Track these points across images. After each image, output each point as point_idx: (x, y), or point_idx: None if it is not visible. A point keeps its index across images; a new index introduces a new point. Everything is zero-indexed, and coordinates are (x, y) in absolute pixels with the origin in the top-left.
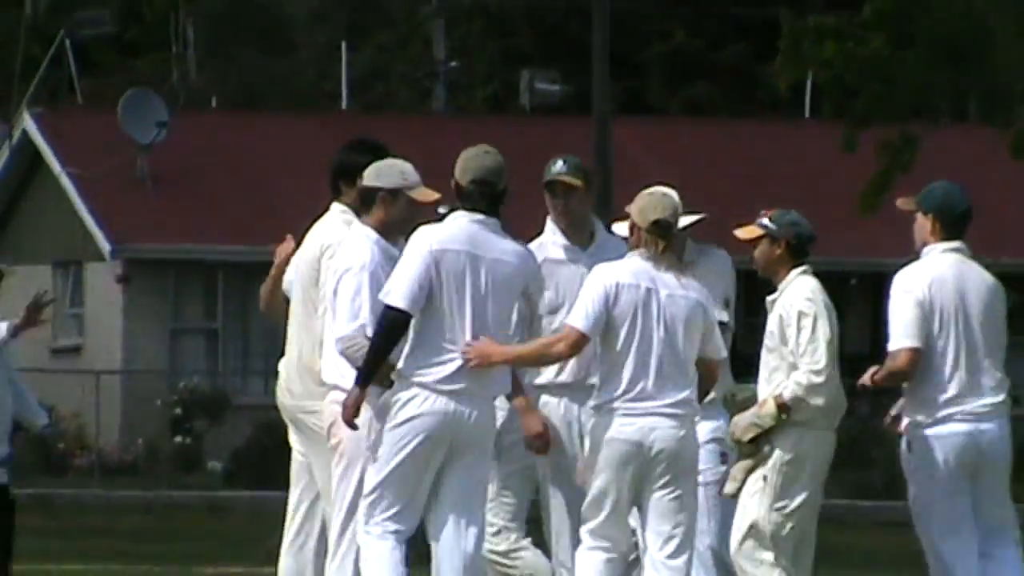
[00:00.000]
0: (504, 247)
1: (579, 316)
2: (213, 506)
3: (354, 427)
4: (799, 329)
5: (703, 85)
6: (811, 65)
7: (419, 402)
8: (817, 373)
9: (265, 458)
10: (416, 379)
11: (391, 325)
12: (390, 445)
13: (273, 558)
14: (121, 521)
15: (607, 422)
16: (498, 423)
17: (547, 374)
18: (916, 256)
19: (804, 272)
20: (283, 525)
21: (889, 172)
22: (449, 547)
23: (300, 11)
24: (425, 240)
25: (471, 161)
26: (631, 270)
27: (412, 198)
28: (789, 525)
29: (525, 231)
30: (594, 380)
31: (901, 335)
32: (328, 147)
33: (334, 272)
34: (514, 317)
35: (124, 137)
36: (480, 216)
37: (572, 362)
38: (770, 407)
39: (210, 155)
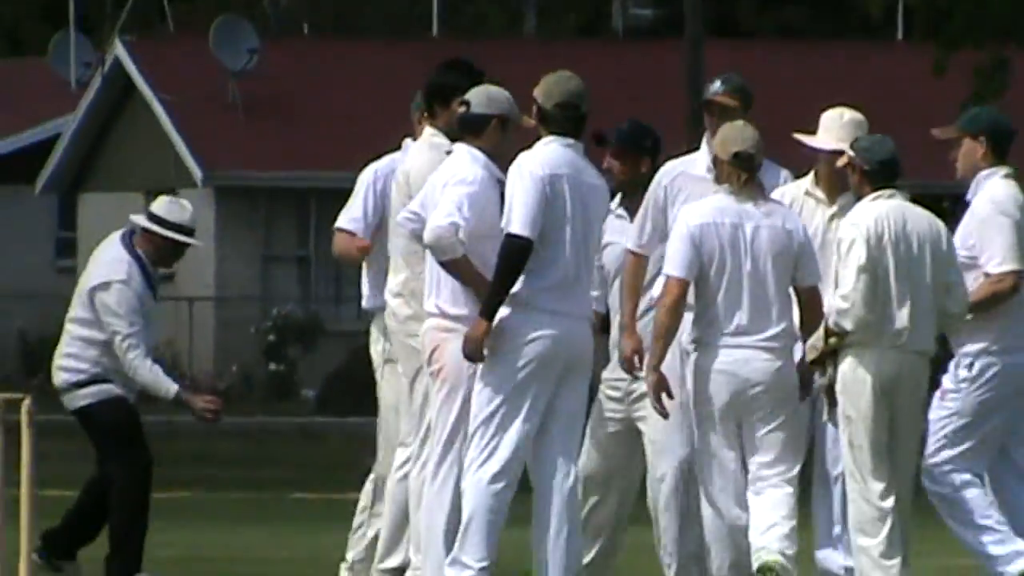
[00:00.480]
0: (591, 172)
1: (673, 264)
2: (307, 432)
3: (481, 358)
4: (838, 254)
5: (794, 7)
6: None
7: (534, 326)
8: (843, 298)
9: (357, 385)
10: (529, 303)
11: (518, 253)
12: (505, 370)
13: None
14: (215, 448)
15: (703, 356)
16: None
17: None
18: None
19: (878, 197)
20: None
21: (981, 96)
22: (553, 483)
23: None
24: (535, 166)
25: (555, 86)
26: (714, 207)
27: (518, 126)
28: (861, 444)
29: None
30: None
31: (1008, 257)
32: (419, 73)
33: (438, 185)
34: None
35: (216, 64)
36: (571, 140)
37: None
38: (819, 329)
39: (301, 82)
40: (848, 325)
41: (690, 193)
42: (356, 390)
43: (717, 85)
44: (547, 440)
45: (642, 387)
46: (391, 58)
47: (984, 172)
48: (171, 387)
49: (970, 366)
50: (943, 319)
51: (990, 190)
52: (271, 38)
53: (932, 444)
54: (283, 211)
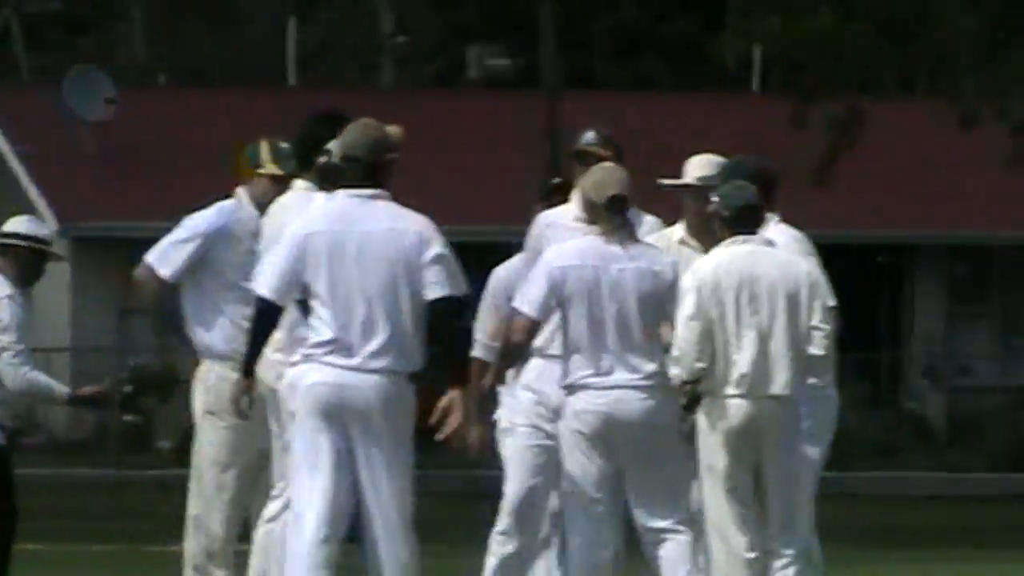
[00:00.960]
0: (377, 218)
1: (526, 301)
2: (163, 484)
3: (239, 414)
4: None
5: (650, 59)
6: (758, 39)
7: (312, 378)
8: (675, 347)
9: None
10: (311, 356)
11: (259, 314)
12: (296, 424)
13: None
14: (71, 500)
15: (575, 400)
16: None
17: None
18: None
19: (731, 243)
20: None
21: (837, 146)
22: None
23: None
24: (297, 224)
25: (343, 136)
26: (578, 249)
27: None
28: (719, 496)
29: (479, 200)
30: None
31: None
32: (275, 123)
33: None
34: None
35: (70, 114)
36: (354, 191)
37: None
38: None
39: (157, 132)
40: (682, 374)
41: (562, 242)
42: None
43: (591, 136)
44: (367, 501)
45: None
46: (248, 108)
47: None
48: (63, 389)
49: None
50: (808, 362)
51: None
52: (127, 88)
53: None
54: (140, 261)
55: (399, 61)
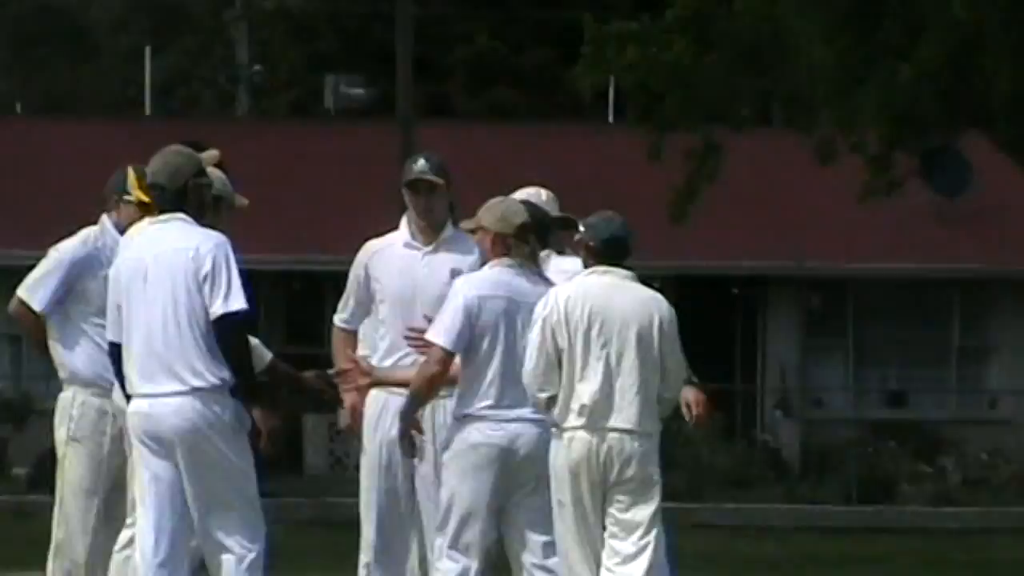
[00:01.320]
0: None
1: (441, 332)
2: (20, 511)
3: None
4: None
5: (506, 89)
6: (614, 70)
7: (130, 408)
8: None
9: None
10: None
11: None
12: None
13: None
14: None
15: (471, 430)
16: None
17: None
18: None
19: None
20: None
21: (696, 180)
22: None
23: (103, 16)
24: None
25: (149, 166)
26: (490, 280)
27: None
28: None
29: (334, 229)
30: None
31: None
32: (133, 152)
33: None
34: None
35: None
36: (158, 218)
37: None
38: None
39: (14, 160)
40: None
41: (391, 269)
42: None
43: (422, 164)
44: (200, 523)
45: None
46: (105, 138)
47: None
48: None
49: None
50: (658, 401)
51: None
52: None
53: None
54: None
55: (255, 91)
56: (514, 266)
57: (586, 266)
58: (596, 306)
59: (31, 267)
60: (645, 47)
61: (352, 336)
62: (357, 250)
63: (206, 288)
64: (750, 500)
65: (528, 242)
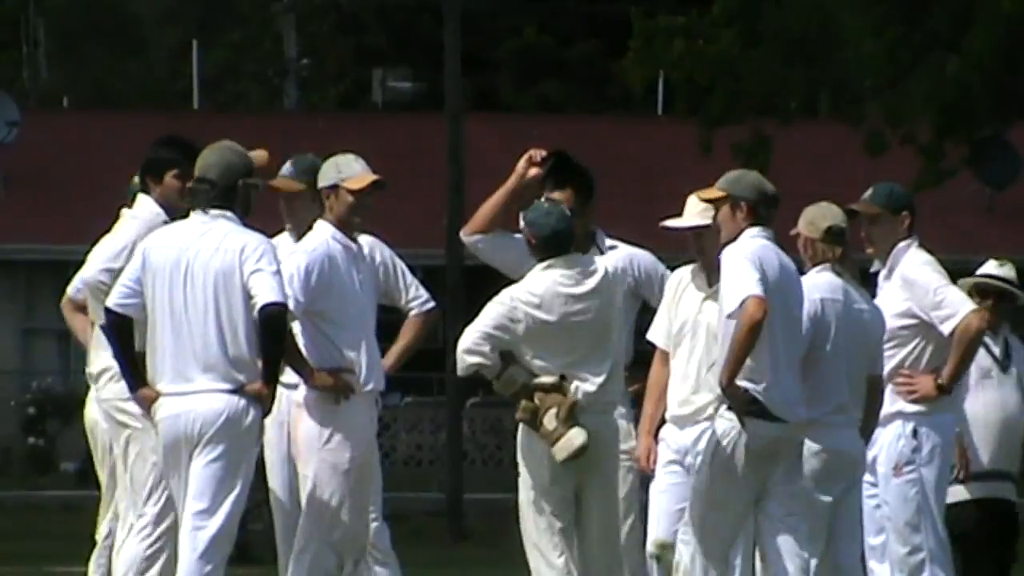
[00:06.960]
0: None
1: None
2: (68, 506)
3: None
4: None
5: (554, 82)
6: (662, 64)
7: (161, 408)
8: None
9: None
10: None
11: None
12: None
13: None
14: None
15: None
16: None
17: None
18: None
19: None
20: None
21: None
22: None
23: (151, 10)
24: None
25: (200, 158)
26: (831, 284)
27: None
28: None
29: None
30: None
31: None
32: None
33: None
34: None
35: None
36: (201, 212)
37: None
38: None
39: (62, 154)
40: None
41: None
42: None
43: (287, 168)
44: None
45: None
46: (152, 132)
47: (903, 243)
48: None
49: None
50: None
51: (917, 256)
52: (31, 111)
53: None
54: (44, 284)
55: (303, 84)
56: (833, 269)
57: (537, 260)
58: (546, 298)
59: (81, 262)
60: (692, 41)
61: None
62: (407, 244)
63: (251, 282)
64: None
65: (837, 245)
